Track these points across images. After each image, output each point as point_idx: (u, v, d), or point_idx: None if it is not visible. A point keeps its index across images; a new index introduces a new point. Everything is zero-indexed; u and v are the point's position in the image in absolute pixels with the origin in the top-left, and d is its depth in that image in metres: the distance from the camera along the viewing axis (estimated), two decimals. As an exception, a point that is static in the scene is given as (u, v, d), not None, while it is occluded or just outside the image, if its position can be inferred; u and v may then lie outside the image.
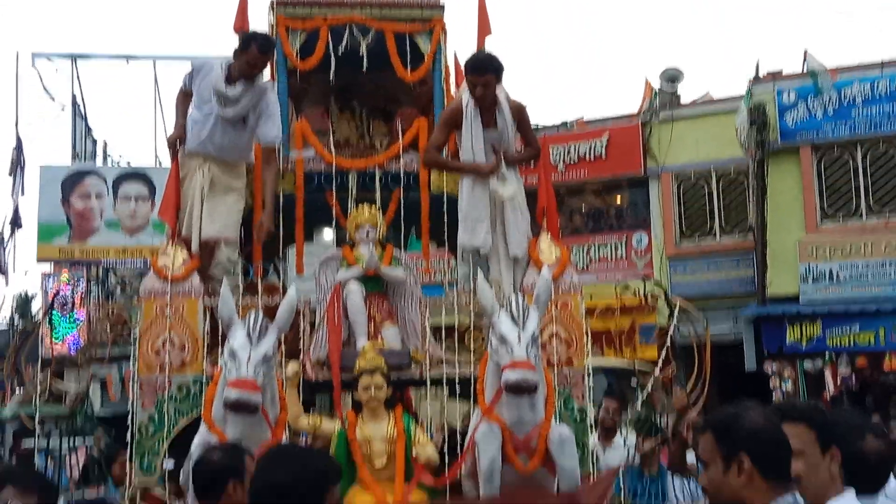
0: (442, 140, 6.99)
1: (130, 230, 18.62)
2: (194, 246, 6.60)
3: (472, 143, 6.78)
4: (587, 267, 20.65)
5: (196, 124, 6.79)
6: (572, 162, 21.40)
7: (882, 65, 18.64)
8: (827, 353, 17.80)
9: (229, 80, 6.68)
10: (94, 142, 21.26)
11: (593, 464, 6.52)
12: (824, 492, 3.05)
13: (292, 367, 6.10)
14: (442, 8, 7.81)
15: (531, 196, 7.11)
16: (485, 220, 6.75)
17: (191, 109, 6.88)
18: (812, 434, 3.14)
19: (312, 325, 6.65)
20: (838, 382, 17.67)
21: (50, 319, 14.59)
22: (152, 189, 18.80)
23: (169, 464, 5.91)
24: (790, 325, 18.22)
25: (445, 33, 7.83)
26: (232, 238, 6.81)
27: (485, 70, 6.71)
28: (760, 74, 19.54)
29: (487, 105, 6.78)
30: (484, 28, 8.08)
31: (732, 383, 15.65)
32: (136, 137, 69.92)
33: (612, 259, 21.11)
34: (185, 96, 7.07)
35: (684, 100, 21.66)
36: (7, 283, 19.35)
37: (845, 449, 3.18)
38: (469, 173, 6.82)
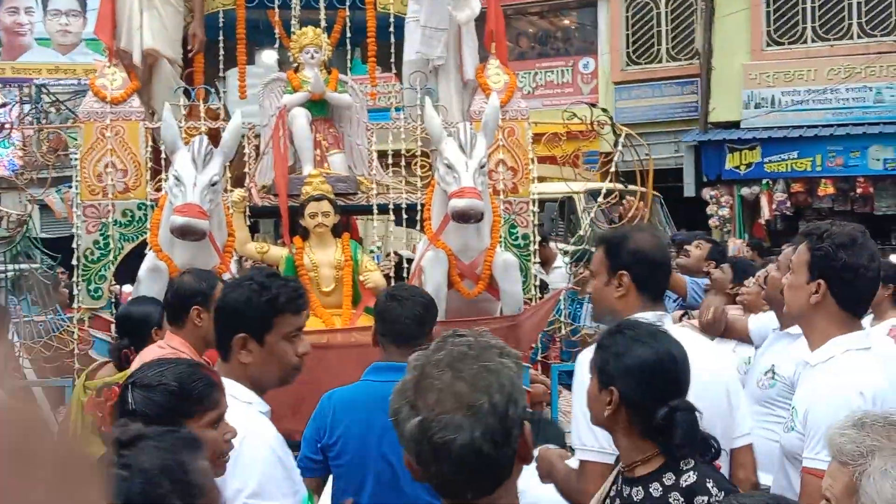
0: None
1: (63, 47, 18.11)
2: (136, 58, 6.41)
3: None
4: (533, 92, 20.51)
5: None
6: (519, -19, 20.95)
7: None
8: (764, 179, 18.15)
9: None
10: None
11: (535, 287, 6.65)
12: None
13: (238, 193, 6.07)
14: None
15: (478, 19, 6.94)
16: (444, 32, 6.60)
17: None
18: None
19: (257, 150, 6.58)
20: (773, 208, 18.09)
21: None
22: (84, 3, 18.22)
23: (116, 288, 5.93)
24: (730, 152, 18.49)
25: None
26: (172, 55, 6.62)
27: None
28: None
29: None
30: None
31: (672, 209, 15.99)
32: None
33: (558, 83, 21.02)
34: None
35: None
36: None
37: None
38: None
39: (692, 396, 2.51)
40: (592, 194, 12.49)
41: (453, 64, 6.73)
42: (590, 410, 2.60)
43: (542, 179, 8.30)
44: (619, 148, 7.46)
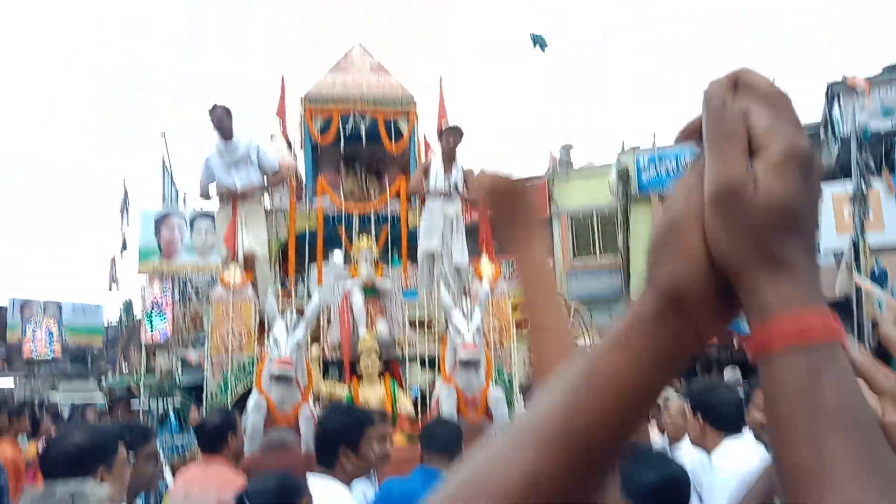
0: (419, 178, 7.04)
1: (201, 253, 18.56)
2: (239, 257, 6.50)
3: (435, 180, 6.87)
4: (510, 275, 20.60)
5: (222, 177, 6.73)
6: (500, 206, 21.42)
7: (705, 142, 18.97)
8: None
9: (224, 141, 6.70)
10: (178, 193, 21.12)
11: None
12: None
13: (315, 349, 6.03)
14: (415, 102, 7.82)
15: (473, 232, 7.11)
16: (437, 232, 6.78)
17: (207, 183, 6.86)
18: None
19: (329, 320, 6.58)
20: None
21: (149, 320, 14.34)
22: (214, 225, 18.76)
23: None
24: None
25: (417, 119, 7.86)
26: (262, 254, 6.70)
27: (458, 131, 6.95)
28: (625, 148, 19.73)
29: (450, 157, 6.83)
30: (441, 114, 8.13)
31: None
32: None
33: (527, 271, 21.15)
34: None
35: (575, 164, 21.75)
36: (118, 289, 19.18)
37: None
38: (431, 195, 6.87)
39: None
40: None
41: (447, 250, 6.85)
42: None
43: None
44: (571, 316, 7.46)
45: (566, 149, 21.73)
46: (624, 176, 19.03)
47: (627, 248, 19.23)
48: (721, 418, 2.82)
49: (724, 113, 0.51)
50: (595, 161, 21.40)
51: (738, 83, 0.52)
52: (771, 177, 0.48)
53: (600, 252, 20.39)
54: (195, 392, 6.44)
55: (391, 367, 6.93)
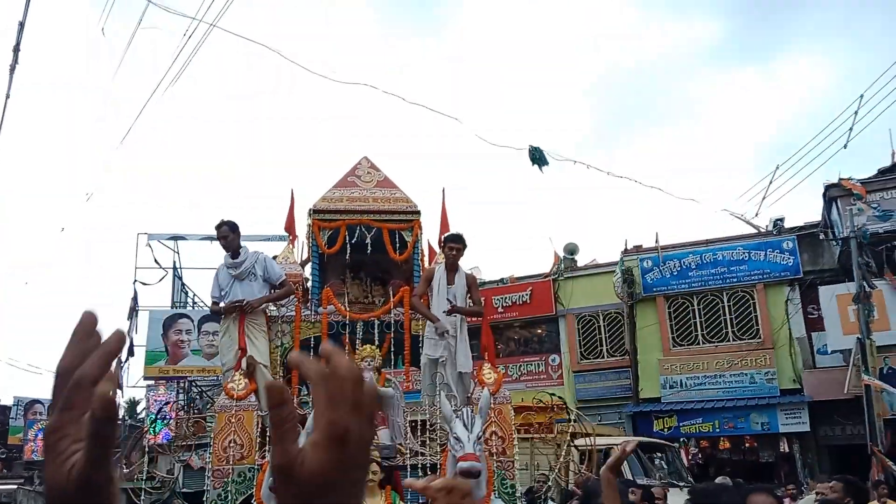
0: (422, 290, 7.10)
1: (208, 355, 18.52)
2: (243, 365, 6.61)
3: (438, 292, 6.92)
4: (519, 378, 20.50)
5: (228, 295, 6.94)
6: (508, 305, 21.55)
7: (707, 242, 19.24)
8: (681, 438, 17.65)
9: (232, 258, 6.94)
10: (187, 294, 21.28)
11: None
12: None
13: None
14: (419, 213, 8.05)
15: (477, 333, 7.18)
16: (441, 342, 6.83)
17: (220, 292, 7.05)
18: None
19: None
20: (689, 458, 17.45)
21: (151, 422, 14.28)
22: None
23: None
24: (656, 419, 18.12)
25: (421, 230, 8.07)
26: (265, 363, 6.80)
27: (459, 241, 7.00)
28: (628, 247, 20.02)
29: (452, 267, 6.97)
30: (445, 226, 8.37)
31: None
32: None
33: (536, 372, 21.04)
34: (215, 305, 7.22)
35: (580, 264, 21.97)
36: (123, 395, 19.11)
37: None
38: (429, 318, 6.93)
39: None
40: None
41: (451, 358, 6.87)
42: None
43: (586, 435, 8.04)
44: (572, 419, 7.44)
45: (570, 249, 21.96)
46: (628, 275, 19.23)
47: (635, 348, 19.18)
48: None
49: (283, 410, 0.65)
50: (599, 260, 21.65)
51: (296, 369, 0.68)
52: (311, 454, 0.61)
53: (607, 351, 20.33)
54: (195, 498, 6.42)
55: (392, 476, 6.92)
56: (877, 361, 15.19)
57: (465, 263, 7.27)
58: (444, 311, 6.80)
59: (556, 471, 7.81)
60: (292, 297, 7.29)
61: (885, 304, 15.90)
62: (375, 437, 6.31)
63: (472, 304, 7.34)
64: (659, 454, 13.27)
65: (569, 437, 7.61)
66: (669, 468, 12.54)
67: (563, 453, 8.10)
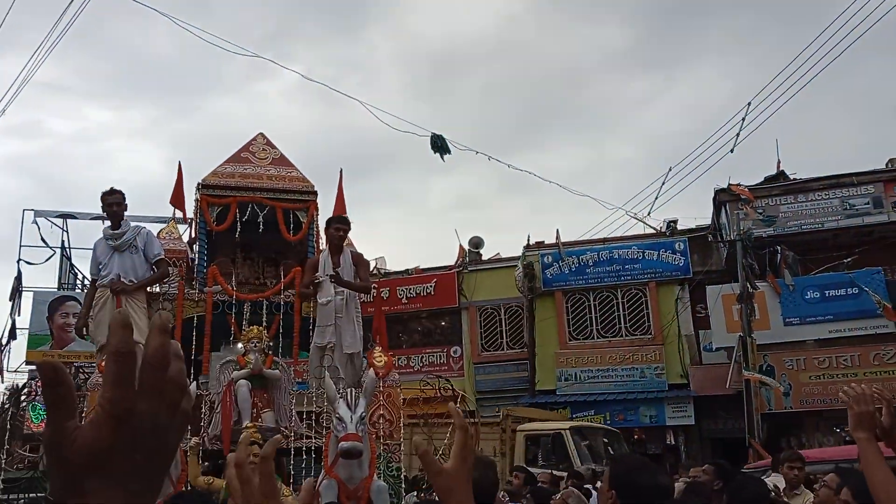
0: (308, 281, 6.97)
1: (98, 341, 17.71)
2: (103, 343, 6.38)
3: (323, 270, 6.82)
4: (421, 368, 20.53)
5: (102, 267, 6.66)
6: (412, 297, 21.58)
7: (604, 240, 19.85)
8: (573, 429, 18.12)
9: (112, 229, 6.73)
10: (76, 275, 20.20)
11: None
12: None
13: (194, 440, 5.85)
14: (316, 194, 7.91)
15: (369, 322, 7.13)
16: (328, 327, 6.74)
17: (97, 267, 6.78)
18: None
19: (211, 408, 6.42)
20: (581, 448, 17.96)
21: (33, 409, 13.48)
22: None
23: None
24: (551, 410, 18.53)
25: (317, 211, 7.91)
26: (140, 340, 6.50)
27: (344, 222, 6.98)
28: (530, 243, 20.41)
29: (337, 249, 6.88)
30: (340, 208, 8.23)
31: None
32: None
33: (437, 363, 21.13)
34: (92, 285, 6.93)
35: (484, 257, 22.24)
36: (3, 381, 17.99)
37: None
38: (316, 288, 6.81)
39: None
40: (578, 430, 12.55)
41: (338, 340, 6.78)
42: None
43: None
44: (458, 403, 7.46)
45: (475, 243, 22.21)
46: (529, 270, 19.58)
47: (533, 341, 19.57)
48: None
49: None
50: (502, 254, 21.99)
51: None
52: (85, 431, 0.60)
53: (507, 344, 20.66)
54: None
55: (279, 459, 6.78)
56: (757, 359, 16.12)
57: (372, 253, 7.21)
58: (328, 277, 6.70)
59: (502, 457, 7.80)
60: (175, 272, 7.01)
61: (766, 305, 16.90)
62: (260, 420, 6.16)
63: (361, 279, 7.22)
64: (605, 440, 13.50)
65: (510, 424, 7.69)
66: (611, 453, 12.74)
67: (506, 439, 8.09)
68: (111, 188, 6.78)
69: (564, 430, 12.36)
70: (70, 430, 0.60)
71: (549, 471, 9.63)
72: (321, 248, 7.97)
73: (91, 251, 6.88)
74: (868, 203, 16.89)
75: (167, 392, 0.63)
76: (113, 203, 6.69)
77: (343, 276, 6.77)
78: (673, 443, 17.74)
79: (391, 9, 62.69)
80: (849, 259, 16.62)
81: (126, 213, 6.88)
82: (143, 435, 0.61)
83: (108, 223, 6.80)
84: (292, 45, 68.34)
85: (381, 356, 6.84)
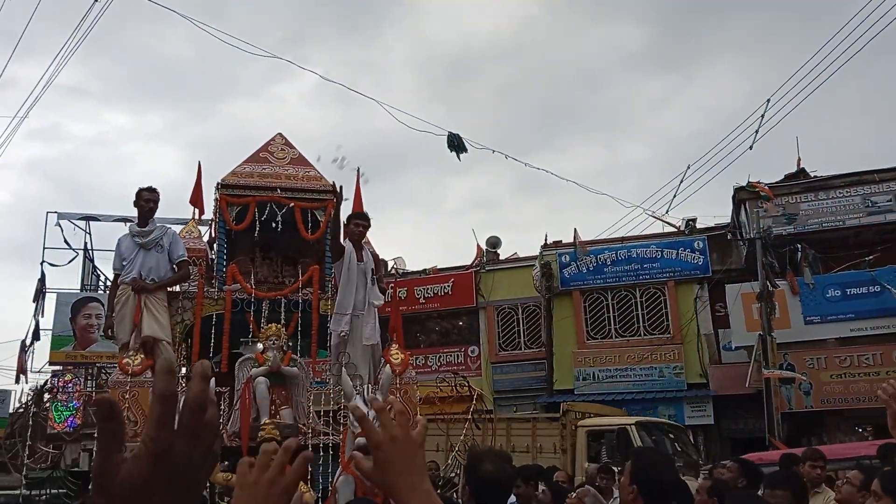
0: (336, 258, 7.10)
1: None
2: (132, 343, 6.47)
3: (348, 268, 6.96)
4: (438, 368, 20.56)
5: (127, 263, 6.76)
6: (430, 297, 21.64)
7: (622, 239, 19.77)
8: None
9: (139, 226, 6.84)
10: (98, 277, 20.49)
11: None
12: None
13: (213, 435, 5.92)
14: (334, 192, 7.91)
15: (385, 321, 7.19)
16: (346, 315, 6.83)
17: (121, 263, 6.87)
18: None
19: (230, 404, 6.49)
20: (601, 448, 17.89)
21: (56, 409, 13.70)
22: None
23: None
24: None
25: (336, 209, 7.97)
26: (165, 339, 6.63)
27: (364, 218, 7.13)
28: (548, 243, 20.39)
29: (359, 243, 6.96)
30: (358, 206, 8.27)
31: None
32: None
33: (455, 362, 21.16)
34: (114, 279, 7.03)
35: (501, 257, 22.23)
36: (27, 381, 18.32)
37: None
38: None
39: None
40: (643, 425, 12.07)
41: (357, 330, 6.87)
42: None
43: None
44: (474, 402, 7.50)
45: (492, 243, 22.23)
46: (547, 270, 19.56)
47: (551, 341, 19.54)
48: None
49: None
50: (520, 254, 21.95)
51: None
52: (129, 465, 0.67)
53: (525, 344, 20.64)
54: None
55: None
56: (777, 357, 15.98)
57: (389, 254, 7.31)
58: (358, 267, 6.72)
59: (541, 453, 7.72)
60: (195, 271, 7.11)
61: (786, 303, 16.74)
62: (278, 417, 6.22)
63: (378, 280, 7.33)
64: (671, 435, 12.95)
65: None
66: (681, 452, 12.15)
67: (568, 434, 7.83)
68: (150, 186, 7.00)
69: (630, 425, 11.91)
70: (116, 462, 0.67)
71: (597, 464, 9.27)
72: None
73: (113, 251, 7.01)
74: (890, 200, 16.69)
75: (203, 435, 0.70)
76: (151, 200, 6.91)
77: (366, 270, 6.91)
78: (692, 443, 17.60)
79: (407, 11, 62.86)
80: (870, 257, 16.43)
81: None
82: (177, 473, 0.68)
83: (133, 222, 6.93)
84: (308, 48, 68.77)
85: (397, 353, 6.90)
